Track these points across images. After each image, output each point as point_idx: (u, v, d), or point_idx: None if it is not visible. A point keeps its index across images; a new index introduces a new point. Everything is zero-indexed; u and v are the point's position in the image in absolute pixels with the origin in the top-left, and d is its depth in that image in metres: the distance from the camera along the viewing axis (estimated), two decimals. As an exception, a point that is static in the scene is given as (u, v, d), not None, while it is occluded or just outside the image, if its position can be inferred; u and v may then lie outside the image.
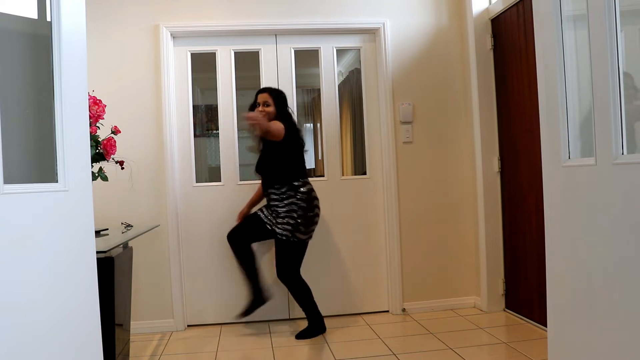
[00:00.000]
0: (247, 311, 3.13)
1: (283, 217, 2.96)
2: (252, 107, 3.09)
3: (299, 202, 2.95)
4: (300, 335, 3.05)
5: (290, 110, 3.12)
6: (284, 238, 2.95)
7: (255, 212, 3.13)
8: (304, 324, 3.22)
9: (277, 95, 3.07)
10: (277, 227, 2.98)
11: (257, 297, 3.11)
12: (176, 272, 3.32)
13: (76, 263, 1.57)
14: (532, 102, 2.92)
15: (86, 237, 1.62)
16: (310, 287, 3.43)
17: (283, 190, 2.97)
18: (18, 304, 1.34)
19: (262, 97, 3.05)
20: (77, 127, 1.59)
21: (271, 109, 3.02)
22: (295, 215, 2.94)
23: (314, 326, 3.07)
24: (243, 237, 3.12)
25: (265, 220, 3.05)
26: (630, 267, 1.39)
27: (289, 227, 2.94)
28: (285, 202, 2.96)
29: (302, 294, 3.04)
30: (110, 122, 2.62)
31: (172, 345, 3.03)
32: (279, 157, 2.98)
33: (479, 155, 3.39)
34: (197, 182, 3.44)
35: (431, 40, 3.55)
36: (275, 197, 3.00)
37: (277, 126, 2.91)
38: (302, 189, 2.97)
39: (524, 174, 3.10)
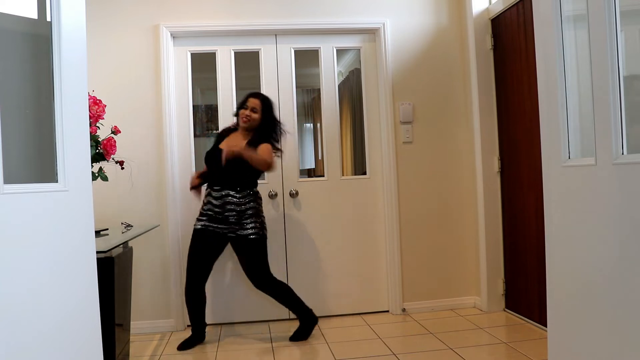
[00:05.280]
0: (187, 345, 2.99)
1: (250, 217, 2.91)
2: (239, 106, 3.02)
3: (258, 205, 3.00)
4: (295, 337, 3.01)
5: (277, 120, 3.06)
6: (257, 236, 2.92)
7: (202, 230, 2.93)
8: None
9: (268, 105, 3.01)
10: (245, 230, 2.90)
11: (201, 333, 3.06)
12: (176, 272, 3.32)
13: (76, 263, 1.57)
14: (532, 102, 2.92)
15: (86, 237, 1.62)
16: (310, 288, 3.45)
17: (244, 194, 2.92)
18: (18, 304, 1.34)
19: (254, 102, 2.97)
20: (77, 127, 1.59)
21: (257, 116, 2.96)
22: (260, 214, 2.99)
23: (307, 322, 3.04)
24: (203, 272, 2.98)
25: (224, 229, 2.91)
26: (630, 267, 1.39)
27: (259, 225, 2.94)
28: (247, 205, 2.92)
29: (285, 292, 3.00)
30: (110, 122, 2.62)
31: (172, 345, 3.03)
32: (248, 165, 2.88)
33: (479, 155, 3.39)
34: (197, 182, 3.44)
35: (431, 40, 3.55)
36: (232, 199, 2.89)
37: (267, 152, 2.89)
38: (259, 194, 3.03)
39: (524, 174, 3.10)
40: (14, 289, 1.33)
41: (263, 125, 3.00)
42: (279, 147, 3.07)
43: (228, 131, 3.10)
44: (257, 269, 2.95)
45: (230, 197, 2.90)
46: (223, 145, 2.97)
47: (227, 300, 3.41)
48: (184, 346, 2.98)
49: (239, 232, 2.90)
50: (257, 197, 3.00)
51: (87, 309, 1.62)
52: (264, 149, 2.91)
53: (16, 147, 1.50)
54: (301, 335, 3.03)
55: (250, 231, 2.90)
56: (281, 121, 3.12)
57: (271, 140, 2.99)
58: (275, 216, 3.47)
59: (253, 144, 2.94)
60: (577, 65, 1.69)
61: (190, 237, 2.98)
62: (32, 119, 1.64)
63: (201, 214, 2.99)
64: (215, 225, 2.93)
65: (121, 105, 3.21)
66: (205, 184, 3.04)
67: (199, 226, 2.96)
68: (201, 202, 3.05)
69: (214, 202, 2.92)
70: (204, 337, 3.07)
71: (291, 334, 3.06)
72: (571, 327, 1.69)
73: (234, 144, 2.93)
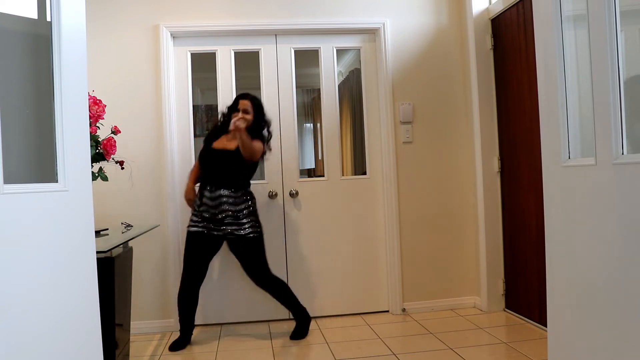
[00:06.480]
0: (179, 346, 2.97)
1: (246, 217, 2.94)
2: (231, 110, 3.05)
3: (253, 205, 3.02)
4: (295, 336, 3.04)
5: (267, 119, 3.11)
6: (255, 234, 2.95)
7: (197, 233, 2.95)
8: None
9: (258, 105, 3.06)
10: (243, 229, 2.92)
11: (189, 335, 3.04)
12: (176, 272, 3.32)
13: (76, 263, 1.57)
14: (532, 102, 2.92)
15: (86, 237, 1.62)
16: (310, 288, 3.45)
17: (239, 194, 2.95)
18: (18, 304, 1.34)
19: (244, 104, 3.00)
20: (77, 127, 1.59)
21: (250, 117, 2.97)
22: (256, 212, 3.02)
23: (303, 320, 3.09)
24: (199, 274, 2.98)
25: (221, 231, 2.93)
26: (630, 267, 1.39)
27: (256, 224, 2.98)
28: (243, 204, 2.95)
29: (283, 290, 3.06)
30: (110, 122, 2.62)
31: (172, 345, 3.03)
32: (248, 166, 2.99)
33: (479, 155, 3.39)
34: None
35: (431, 40, 3.55)
36: (227, 199, 2.91)
37: (258, 146, 2.96)
38: (253, 194, 3.06)
39: (524, 174, 3.10)
40: (14, 289, 1.33)
41: (255, 125, 3.03)
42: (269, 148, 3.12)
43: (218, 131, 3.09)
44: (256, 267, 2.98)
45: (225, 198, 2.91)
46: (218, 145, 3.01)
47: (227, 300, 3.41)
48: (176, 346, 2.96)
49: (236, 233, 2.92)
50: (252, 197, 3.03)
51: (87, 309, 1.62)
52: (256, 143, 2.96)
53: (16, 147, 1.50)
54: (300, 333, 3.05)
55: (248, 230, 2.92)
56: (270, 122, 3.15)
57: (263, 139, 3.03)
58: (275, 216, 3.46)
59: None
60: (577, 65, 1.69)
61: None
62: (32, 119, 1.64)
63: (195, 215, 2.99)
64: (211, 227, 2.94)
65: (121, 105, 3.21)
66: (198, 184, 3.05)
67: (194, 229, 2.97)
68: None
69: (209, 202, 2.92)
70: (190, 339, 3.04)
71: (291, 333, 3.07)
72: (571, 327, 1.69)
73: (229, 142, 2.98)
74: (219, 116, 3.17)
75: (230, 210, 2.91)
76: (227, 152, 2.96)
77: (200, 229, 2.95)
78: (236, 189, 2.94)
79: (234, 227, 2.91)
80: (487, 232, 3.37)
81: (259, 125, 3.05)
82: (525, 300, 3.15)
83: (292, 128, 3.47)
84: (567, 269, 1.71)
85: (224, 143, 3.01)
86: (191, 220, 3.01)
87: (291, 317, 3.39)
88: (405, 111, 3.50)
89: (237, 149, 2.91)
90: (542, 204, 1.83)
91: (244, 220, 2.93)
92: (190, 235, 2.99)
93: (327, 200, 3.51)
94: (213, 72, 3.48)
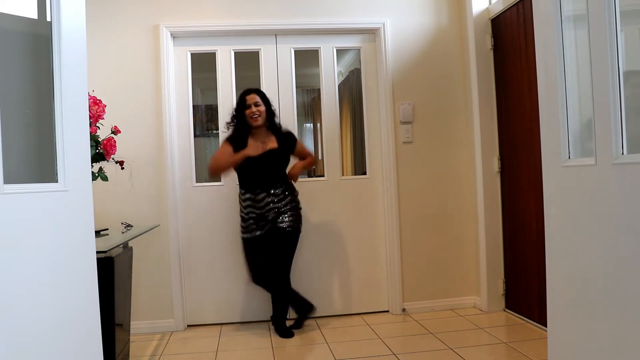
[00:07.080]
0: (300, 322, 3.23)
1: (289, 210, 3.05)
2: (240, 108, 3.06)
3: (297, 198, 3.14)
4: (298, 325, 3.18)
5: (274, 109, 3.17)
6: (290, 229, 3.05)
7: (251, 237, 3.08)
8: (303, 324, 3.24)
9: (263, 94, 3.14)
10: (284, 222, 3.03)
11: (307, 305, 3.20)
12: (176, 272, 3.32)
13: (76, 263, 1.57)
14: (532, 102, 2.92)
15: (86, 237, 1.62)
16: (310, 287, 3.47)
17: (282, 189, 3.06)
18: (18, 303, 1.34)
19: (252, 97, 3.05)
20: (77, 127, 1.59)
21: (263, 108, 3.06)
22: (298, 206, 3.13)
23: (304, 310, 3.20)
24: (263, 271, 3.11)
25: (266, 225, 3.04)
26: (630, 267, 1.39)
27: (298, 218, 3.11)
28: (287, 199, 3.06)
29: (283, 295, 3.13)
30: (110, 122, 2.62)
31: (172, 345, 3.03)
32: (287, 160, 3.14)
33: (479, 155, 3.39)
34: (197, 182, 3.44)
35: (431, 40, 3.55)
36: (274, 197, 3.02)
37: (303, 149, 3.23)
38: (293, 185, 3.17)
39: (524, 174, 3.10)
40: (14, 289, 1.33)
41: (270, 115, 3.12)
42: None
43: (241, 135, 3.08)
44: (281, 260, 3.06)
45: (272, 197, 3.02)
46: (257, 150, 3.03)
47: (227, 300, 3.41)
48: (301, 322, 3.22)
49: (278, 224, 3.03)
50: (293, 190, 3.14)
51: (87, 309, 1.62)
52: (302, 147, 3.22)
53: (16, 147, 1.50)
54: (301, 320, 3.21)
55: (286, 224, 3.04)
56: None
57: (294, 136, 3.19)
58: (275, 216, 3.46)
59: (284, 143, 3.11)
60: (577, 65, 1.69)
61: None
62: (32, 119, 1.64)
63: (244, 220, 3.10)
64: (259, 229, 3.07)
65: (121, 105, 3.21)
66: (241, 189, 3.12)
67: (247, 236, 3.10)
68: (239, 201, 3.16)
69: (257, 204, 3.04)
70: (310, 303, 3.21)
71: (290, 333, 3.09)
72: (571, 327, 1.69)
73: (269, 146, 3.06)
74: (230, 119, 3.15)
75: (275, 208, 3.02)
76: (273, 152, 3.05)
77: (251, 236, 3.08)
78: (280, 185, 3.06)
79: (276, 220, 3.03)
80: (487, 232, 3.37)
81: (271, 114, 3.13)
82: (525, 300, 3.14)
83: (292, 128, 3.46)
84: (567, 269, 1.71)
85: (260, 146, 3.04)
86: (242, 226, 3.13)
87: (291, 317, 3.40)
88: (405, 111, 3.50)
89: (279, 147, 3.07)
90: (542, 204, 1.83)
91: (286, 215, 3.04)
92: (245, 241, 3.13)
93: (327, 200, 3.51)
94: (213, 72, 3.48)
